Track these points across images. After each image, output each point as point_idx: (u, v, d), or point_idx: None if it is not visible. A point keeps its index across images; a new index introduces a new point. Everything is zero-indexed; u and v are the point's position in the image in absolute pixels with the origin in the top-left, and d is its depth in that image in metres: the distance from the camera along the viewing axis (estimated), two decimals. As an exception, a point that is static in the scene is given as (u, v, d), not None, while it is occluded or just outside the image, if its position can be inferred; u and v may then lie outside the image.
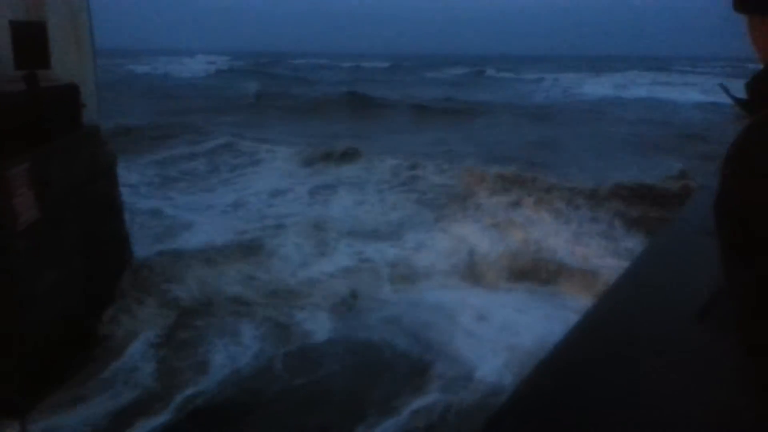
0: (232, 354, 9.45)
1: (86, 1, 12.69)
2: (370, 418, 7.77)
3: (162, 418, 7.84)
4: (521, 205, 15.67)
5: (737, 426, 1.48)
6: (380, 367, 9.14)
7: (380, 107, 40.53)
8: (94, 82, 12.94)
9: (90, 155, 11.39)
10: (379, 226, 15.16)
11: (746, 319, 0.97)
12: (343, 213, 16.10)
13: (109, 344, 9.55)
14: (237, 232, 14.49)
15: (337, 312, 10.74)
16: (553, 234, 13.69)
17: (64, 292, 9.22)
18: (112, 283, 11.12)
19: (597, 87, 61.36)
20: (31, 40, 10.41)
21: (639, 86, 61.36)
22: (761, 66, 1.00)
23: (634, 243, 12.83)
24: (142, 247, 13.04)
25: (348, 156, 22.39)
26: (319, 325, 10.30)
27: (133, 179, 18.49)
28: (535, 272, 12.09)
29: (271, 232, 14.25)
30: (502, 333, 9.59)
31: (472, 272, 12.15)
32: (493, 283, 11.80)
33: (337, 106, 39.14)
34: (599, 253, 12.72)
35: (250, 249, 13.23)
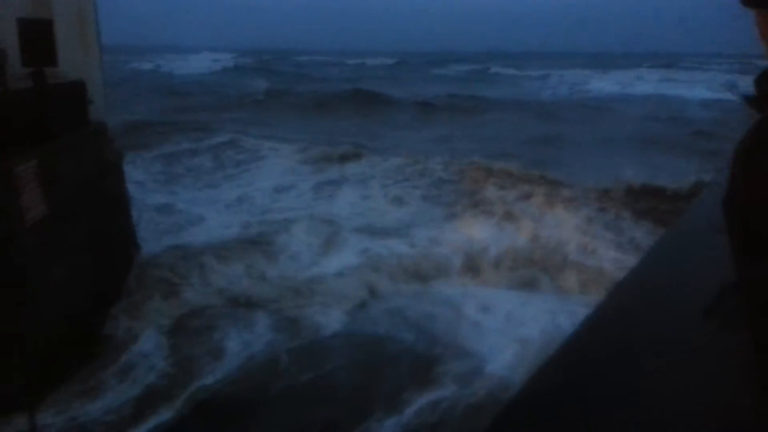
0: (240, 349, 9.48)
1: (93, -2, 12.75)
2: (378, 413, 7.79)
3: (169, 411, 7.89)
4: (527, 201, 15.66)
5: (745, 426, 1.48)
6: (390, 361, 9.19)
7: (386, 104, 40.49)
8: (101, 78, 13.00)
9: (97, 152, 11.44)
10: (385, 222, 15.17)
11: (755, 316, 0.97)
12: (349, 209, 16.13)
13: (116, 340, 9.60)
14: (244, 227, 14.55)
15: (347, 309, 10.76)
16: (561, 229, 13.68)
17: (72, 288, 9.27)
18: (120, 279, 11.17)
19: (603, 84, 61.11)
20: (38, 37, 10.44)
21: (646, 83, 61.08)
22: (769, 61, 1.00)
23: (641, 234, 12.87)
24: (149, 243, 13.11)
25: (353, 153, 22.43)
26: (329, 322, 10.32)
27: (139, 175, 18.57)
28: (541, 267, 12.08)
29: (277, 228, 14.29)
30: (530, 331, 9.58)
31: (480, 267, 12.16)
32: (502, 277, 11.80)
33: (343, 103, 39.13)
34: (607, 247, 12.72)
35: (257, 244, 13.29)
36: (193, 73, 69.22)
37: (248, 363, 9.14)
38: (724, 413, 1.68)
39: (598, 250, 12.66)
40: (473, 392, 8.18)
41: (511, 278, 11.84)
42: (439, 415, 7.80)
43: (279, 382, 8.67)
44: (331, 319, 10.39)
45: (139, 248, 12.69)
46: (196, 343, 9.64)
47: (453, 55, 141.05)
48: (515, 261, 12.32)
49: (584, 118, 35.09)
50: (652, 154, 22.89)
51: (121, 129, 19.60)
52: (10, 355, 7.80)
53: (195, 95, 45.01)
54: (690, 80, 63.45)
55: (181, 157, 22.31)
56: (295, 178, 19.73)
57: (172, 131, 26.60)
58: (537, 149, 24.69)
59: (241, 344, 9.60)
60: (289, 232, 14.01)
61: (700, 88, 54.80)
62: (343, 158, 21.90)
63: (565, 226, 13.91)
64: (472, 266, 12.23)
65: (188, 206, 16.38)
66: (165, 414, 7.85)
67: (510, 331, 9.68)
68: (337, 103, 39.18)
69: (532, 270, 12.04)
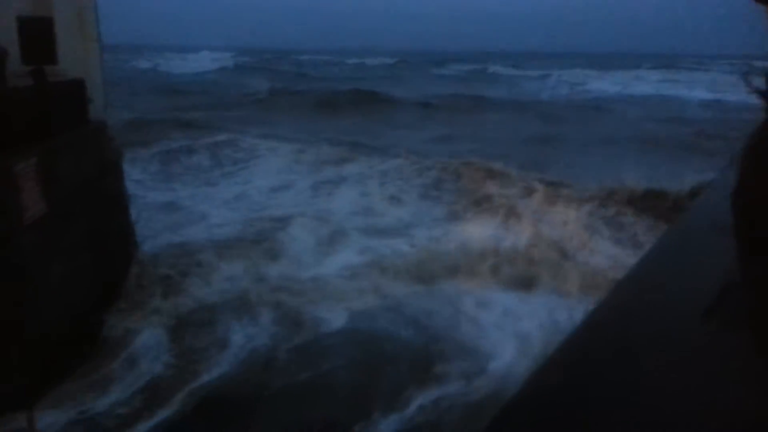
0: (242, 346, 9.50)
1: (93, -4, 12.73)
2: (378, 411, 7.80)
3: (169, 408, 7.88)
4: (527, 200, 15.67)
5: (745, 426, 1.48)
6: (390, 358, 9.21)
7: (385, 103, 40.51)
8: (101, 77, 12.98)
9: (96, 150, 11.43)
10: (385, 221, 15.17)
11: (759, 315, 0.97)
12: (349, 208, 16.12)
13: (116, 339, 9.59)
14: (243, 226, 14.55)
15: (347, 307, 10.76)
16: (561, 226, 13.70)
17: (72, 286, 9.27)
18: (119, 277, 11.17)
19: (603, 84, 61.22)
20: (38, 35, 10.44)
21: (646, 83, 61.17)
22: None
23: (642, 229, 12.90)
24: (148, 241, 13.12)
25: (352, 152, 22.45)
26: (329, 320, 10.34)
27: (137, 173, 18.57)
28: (540, 265, 12.10)
29: (277, 226, 14.30)
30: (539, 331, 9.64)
31: (479, 266, 12.17)
32: (501, 275, 11.82)
33: (343, 103, 39.14)
34: (607, 244, 12.76)
35: (257, 243, 13.30)
36: (192, 72, 69.22)
37: (250, 360, 9.15)
38: (725, 413, 1.68)
39: (599, 247, 12.68)
40: (473, 389, 8.20)
41: (511, 276, 11.84)
42: (439, 412, 7.82)
43: (280, 380, 8.68)
44: (332, 317, 10.40)
45: (138, 246, 12.69)
46: (197, 341, 9.64)
47: (453, 54, 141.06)
48: (514, 259, 12.33)
49: (584, 119, 35.11)
50: (652, 154, 22.89)
51: (118, 127, 19.58)
52: (9, 354, 7.79)
53: (193, 94, 45.00)
54: (690, 81, 63.53)
55: (180, 155, 22.28)
56: (294, 177, 19.73)
57: (169, 129, 26.57)
58: (536, 149, 24.71)
59: (243, 341, 9.61)
60: (289, 230, 14.01)
61: (700, 88, 54.89)
62: (342, 157, 21.91)
63: (565, 224, 13.92)
64: (471, 264, 12.22)
65: (188, 204, 16.39)
66: (165, 411, 7.85)
67: (508, 326, 9.74)
68: (337, 103, 39.19)
69: (531, 268, 12.04)
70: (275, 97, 44.14)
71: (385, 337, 9.92)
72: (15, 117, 8.72)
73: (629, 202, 14.80)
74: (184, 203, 16.53)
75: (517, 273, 11.91)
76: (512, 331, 9.75)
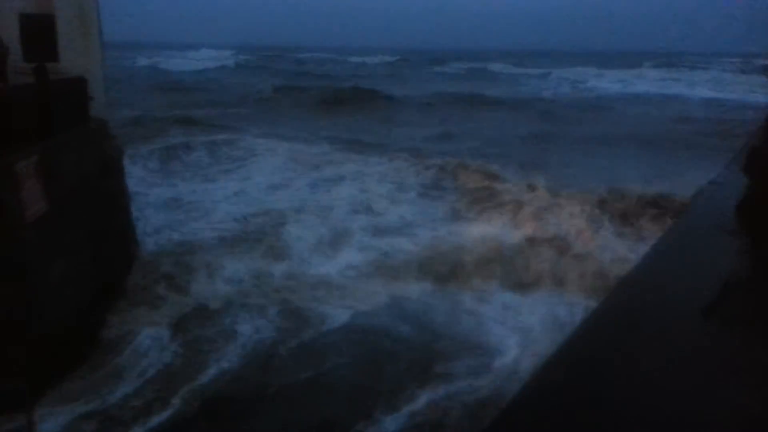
0: (244, 343, 9.51)
1: (94, -6, 12.72)
2: (379, 408, 7.83)
3: (168, 410, 7.89)
4: (527, 199, 15.68)
5: (746, 424, 1.49)
6: (392, 355, 9.24)
7: (386, 101, 40.52)
8: (102, 75, 12.98)
9: (97, 149, 11.43)
10: (385, 219, 15.18)
11: (759, 314, 0.98)
12: (349, 207, 16.10)
13: (115, 338, 9.59)
14: (244, 223, 14.56)
15: (348, 304, 10.78)
16: (560, 226, 13.73)
17: (73, 284, 9.28)
18: (120, 275, 11.18)
19: (604, 82, 61.25)
20: (40, 32, 10.43)
21: (647, 81, 61.20)
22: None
23: (643, 227, 12.92)
24: (149, 238, 13.13)
25: (352, 150, 22.46)
26: (331, 317, 10.36)
27: (137, 171, 18.59)
28: (540, 264, 12.12)
29: (278, 224, 14.31)
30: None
31: (478, 264, 12.18)
32: (500, 273, 11.84)
33: (344, 101, 39.15)
34: (610, 240, 12.80)
35: (258, 241, 13.31)
36: (193, 69, 69.18)
37: (253, 358, 9.16)
38: (725, 411, 1.69)
39: (600, 245, 12.71)
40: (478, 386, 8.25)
41: (513, 274, 11.86)
42: (441, 410, 7.85)
43: (283, 378, 8.68)
44: (335, 315, 10.42)
45: (139, 244, 12.70)
46: (197, 339, 9.64)
47: (453, 53, 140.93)
48: (517, 257, 12.35)
49: (585, 117, 35.11)
50: (654, 153, 22.90)
51: (118, 125, 19.58)
52: (9, 353, 7.80)
53: (194, 92, 44.98)
54: (691, 79, 63.56)
55: (179, 154, 22.28)
56: (294, 175, 19.72)
57: (167, 127, 26.56)
58: (536, 148, 24.71)
59: (245, 339, 9.63)
60: (291, 228, 14.02)
61: (701, 87, 54.90)
62: (343, 155, 21.91)
63: (565, 222, 13.93)
64: (473, 263, 12.23)
65: (188, 201, 16.40)
66: (166, 411, 7.85)
67: (510, 320, 9.80)
68: (338, 101, 39.21)
69: (533, 266, 12.05)
70: (277, 95, 44.14)
71: (390, 334, 9.94)
72: (16, 115, 8.71)
73: (630, 201, 14.80)
74: (185, 200, 16.54)
75: (519, 271, 11.92)
76: (512, 326, 9.84)
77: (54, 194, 8.83)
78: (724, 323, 1.96)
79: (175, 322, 10.00)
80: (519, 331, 9.80)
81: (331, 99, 40.01)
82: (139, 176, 18.33)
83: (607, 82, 61.70)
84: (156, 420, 7.68)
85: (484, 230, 13.85)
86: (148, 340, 9.46)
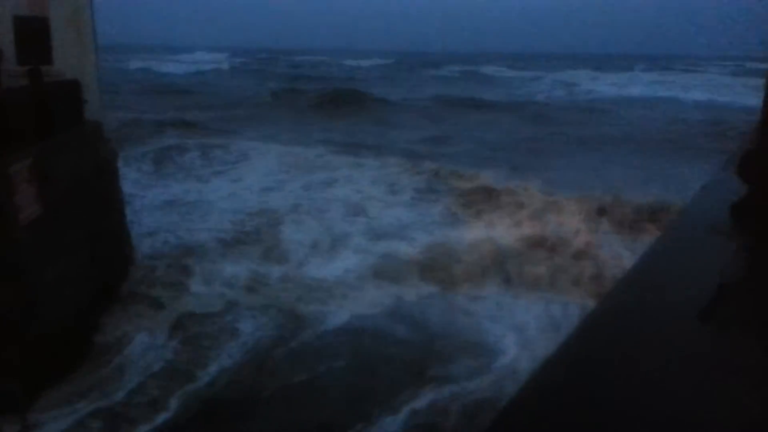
0: (241, 345, 9.50)
1: (88, -4, 12.68)
2: (377, 407, 7.84)
3: (164, 413, 7.87)
4: (521, 201, 15.73)
5: (745, 424, 1.50)
6: (388, 359, 9.24)
7: (381, 104, 40.57)
8: (96, 78, 12.94)
9: (92, 151, 11.40)
10: (380, 222, 15.19)
11: (756, 314, 0.99)
12: (344, 210, 16.11)
13: (111, 341, 9.56)
14: (239, 225, 14.54)
15: (345, 306, 10.78)
16: (555, 228, 13.78)
17: (68, 287, 9.25)
18: (115, 278, 11.15)
19: (598, 85, 61.46)
20: (33, 35, 10.40)
21: (641, 84, 61.44)
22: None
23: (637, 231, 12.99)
24: (144, 240, 13.10)
25: (347, 153, 22.47)
26: (327, 319, 10.36)
27: (131, 172, 18.56)
28: (539, 263, 12.18)
29: (273, 227, 14.30)
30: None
31: (476, 263, 12.22)
32: (498, 273, 11.87)
33: (339, 104, 39.16)
34: (604, 243, 12.86)
35: (254, 243, 13.30)
36: (187, 72, 69.05)
37: (249, 360, 9.14)
38: (724, 411, 1.70)
39: (596, 246, 12.77)
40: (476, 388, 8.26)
41: (510, 276, 11.89)
42: (441, 410, 7.87)
43: (279, 380, 8.67)
44: (331, 317, 10.42)
45: (134, 247, 12.67)
46: (193, 342, 9.62)
47: (447, 56, 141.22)
48: (513, 259, 12.39)
49: (579, 120, 35.24)
50: (648, 155, 23.02)
51: (112, 128, 19.54)
52: (5, 355, 7.77)
53: (187, 94, 44.92)
54: (685, 82, 63.89)
55: (172, 156, 22.22)
56: (289, 177, 19.71)
57: (161, 130, 26.51)
58: (530, 150, 24.80)
59: (242, 341, 9.61)
60: (286, 231, 14.02)
61: (694, 90, 55.21)
62: (338, 158, 21.92)
63: (560, 225, 13.99)
64: (470, 264, 12.26)
65: (183, 203, 16.38)
66: (162, 413, 7.83)
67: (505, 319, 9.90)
68: (333, 104, 39.23)
69: (530, 268, 12.09)
70: (272, 97, 44.14)
71: (387, 336, 9.95)
72: (10, 118, 8.68)
73: (625, 203, 14.87)
74: (179, 202, 16.51)
75: (516, 273, 11.95)
76: (509, 324, 9.89)
77: (49, 197, 8.80)
78: (721, 324, 1.97)
79: (172, 325, 9.98)
80: (515, 329, 9.87)
81: (326, 102, 40.02)
82: (134, 178, 18.31)
83: (601, 85, 61.91)
84: (154, 422, 7.66)
85: (479, 233, 13.88)
86: (143, 343, 9.43)
